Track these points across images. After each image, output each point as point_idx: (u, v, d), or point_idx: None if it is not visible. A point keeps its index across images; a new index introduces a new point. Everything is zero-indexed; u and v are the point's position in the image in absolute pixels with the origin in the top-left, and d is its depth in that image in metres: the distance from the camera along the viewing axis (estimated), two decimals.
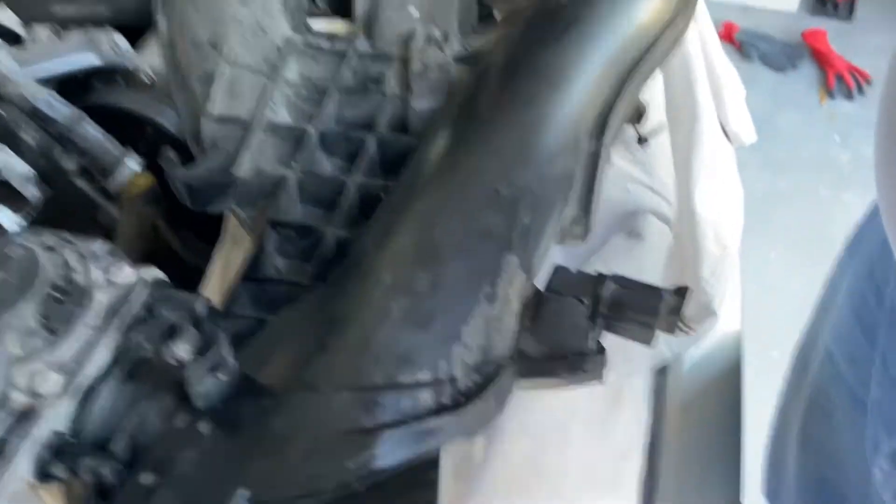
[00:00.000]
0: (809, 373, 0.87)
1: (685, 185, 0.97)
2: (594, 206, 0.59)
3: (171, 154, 0.64)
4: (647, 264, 0.74)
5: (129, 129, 0.72)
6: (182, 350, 0.41)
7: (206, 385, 0.42)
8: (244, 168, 0.61)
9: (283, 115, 0.64)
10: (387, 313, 0.44)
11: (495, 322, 0.47)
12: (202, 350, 0.42)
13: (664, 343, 0.96)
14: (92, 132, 0.70)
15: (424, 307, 0.45)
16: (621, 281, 0.51)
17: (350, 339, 0.44)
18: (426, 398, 0.42)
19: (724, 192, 1.05)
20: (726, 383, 1.15)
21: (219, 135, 0.64)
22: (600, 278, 0.51)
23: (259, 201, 0.60)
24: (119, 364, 0.45)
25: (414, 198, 0.51)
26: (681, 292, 0.51)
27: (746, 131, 1.07)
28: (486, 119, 0.56)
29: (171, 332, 0.42)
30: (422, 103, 0.63)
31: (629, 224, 0.76)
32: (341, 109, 0.64)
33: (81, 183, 0.76)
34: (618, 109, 0.61)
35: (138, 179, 0.70)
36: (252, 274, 0.54)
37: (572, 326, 0.49)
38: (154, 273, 0.51)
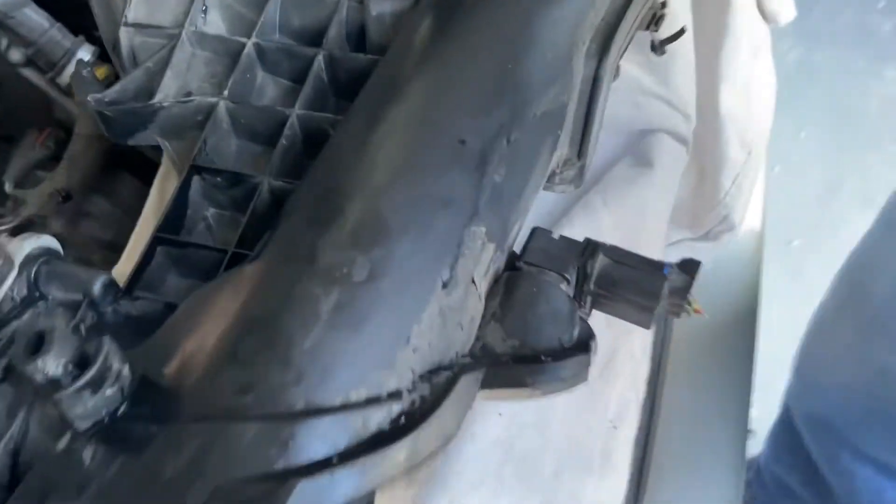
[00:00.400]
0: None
1: (710, 84, 0.85)
2: (591, 144, 0.48)
3: (84, 71, 0.54)
4: (656, 198, 0.63)
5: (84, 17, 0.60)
6: (51, 366, 0.33)
7: (85, 405, 0.34)
8: (167, 91, 0.50)
9: (215, 24, 0.52)
10: (314, 311, 0.35)
11: (454, 313, 0.38)
12: (82, 360, 0.34)
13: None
14: (36, 18, 0.59)
15: (360, 302, 0.36)
16: (615, 254, 0.41)
17: (267, 346, 0.35)
18: (357, 425, 0.34)
19: (754, 84, 0.92)
20: (742, 288, 1.07)
21: (139, 47, 0.53)
22: (590, 248, 0.42)
23: (187, 133, 0.50)
24: None
25: (355, 153, 0.40)
26: (690, 268, 0.41)
27: (785, 7, 0.93)
28: (454, 38, 0.44)
29: (38, 342, 0.34)
30: (382, 6, 0.51)
31: (638, 148, 0.65)
32: (287, 16, 0.52)
33: (31, 74, 0.67)
34: (627, 19, 0.49)
35: (97, 71, 0.58)
36: (170, 230, 0.45)
37: (550, 314, 0.40)
38: (46, 243, 0.42)
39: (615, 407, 0.57)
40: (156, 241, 0.44)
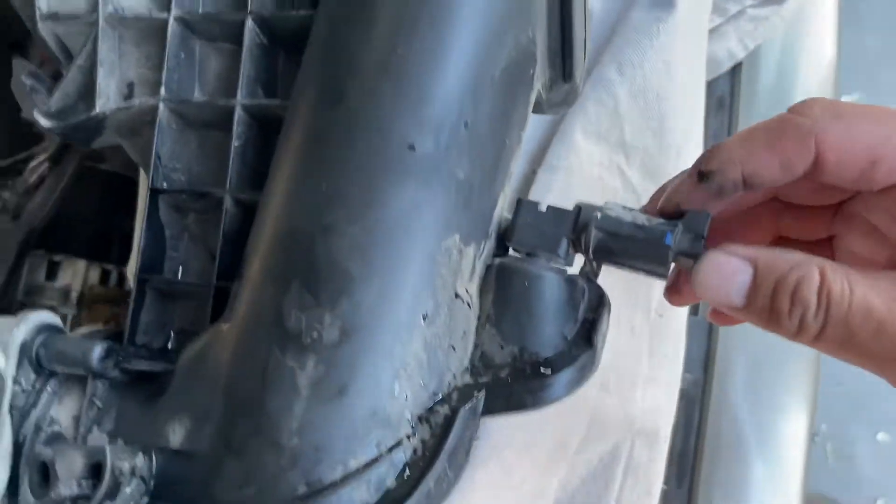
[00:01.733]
0: None
1: None
2: (577, 62, 0.41)
3: (26, 76, 0.49)
4: (683, 46, 0.54)
5: None
6: (66, 490, 0.34)
7: None
8: (107, 92, 0.46)
9: (128, 2, 0.46)
10: (294, 387, 0.34)
11: (442, 340, 0.36)
12: (94, 468, 0.35)
13: (734, 38, 0.77)
14: None
15: (338, 368, 0.34)
16: (608, 224, 0.37)
17: (256, 432, 0.35)
18: (363, 492, 0.34)
19: None
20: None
21: (65, 37, 0.48)
22: (581, 221, 0.37)
23: (142, 130, 0.46)
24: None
25: (299, 183, 0.36)
26: (697, 224, 0.36)
27: None
28: (375, 19, 0.36)
29: (44, 472, 0.35)
30: None
31: None
32: None
33: None
34: None
35: None
36: (151, 269, 0.43)
37: (547, 311, 0.37)
38: (39, 321, 0.42)
39: (658, 295, 0.54)
40: (141, 283, 0.43)
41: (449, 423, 0.35)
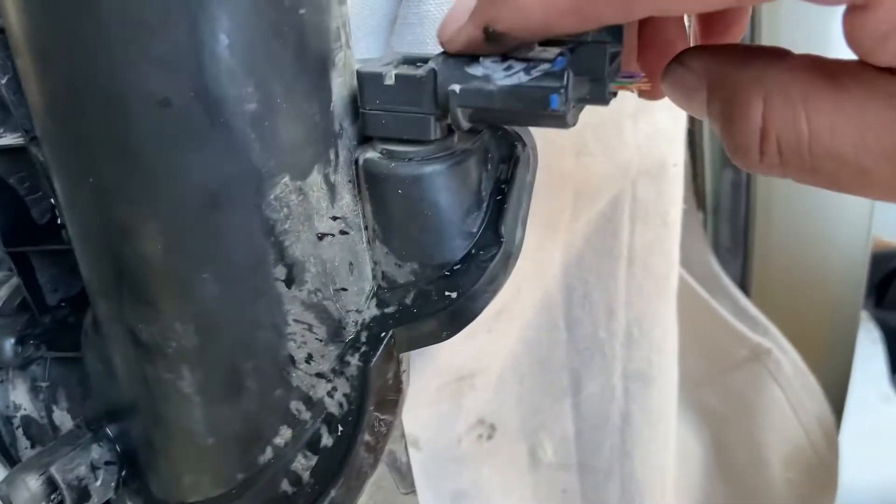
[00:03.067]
0: None
1: None
2: None
3: None
4: None
5: None
6: None
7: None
8: None
9: None
10: (181, 396, 0.30)
11: (322, 291, 0.29)
12: (50, 484, 0.35)
13: None
14: None
15: (213, 370, 0.29)
16: (476, 101, 0.26)
17: (171, 438, 0.31)
18: (302, 462, 0.31)
19: None
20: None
21: None
22: (439, 95, 0.27)
23: None
24: None
25: (61, 176, 0.27)
26: (591, 64, 0.25)
27: None
28: None
29: None
30: None
31: None
32: None
33: None
34: None
35: None
36: (12, 231, 0.37)
37: (434, 218, 0.29)
38: None
39: None
40: (16, 256, 0.38)
41: (364, 374, 0.30)
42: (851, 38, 0.21)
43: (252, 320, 0.29)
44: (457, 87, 0.26)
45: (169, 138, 0.25)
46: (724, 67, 0.24)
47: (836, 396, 0.94)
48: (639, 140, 0.44)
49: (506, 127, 0.31)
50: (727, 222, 0.87)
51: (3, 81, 0.32)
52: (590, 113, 0.34)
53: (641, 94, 0.29)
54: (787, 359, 0.86)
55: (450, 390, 0.50)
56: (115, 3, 0.23)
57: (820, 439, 0.90)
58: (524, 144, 0.30)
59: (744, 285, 0.86)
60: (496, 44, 0.25)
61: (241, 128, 0.25)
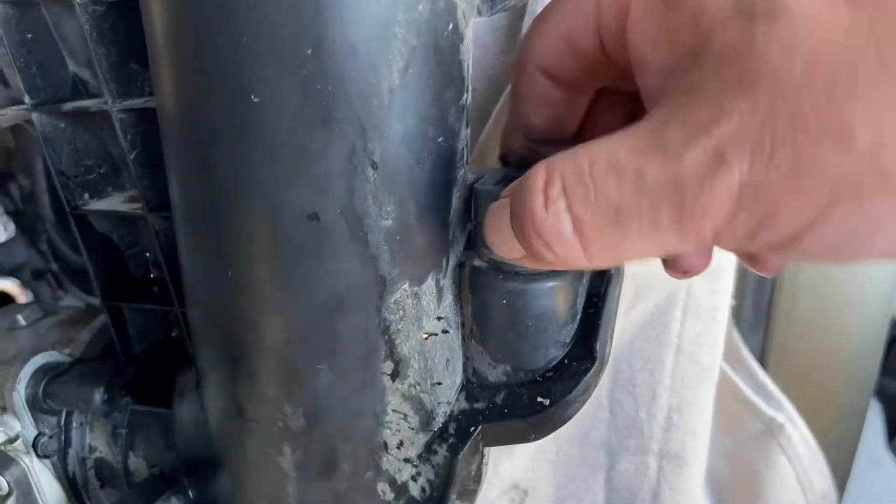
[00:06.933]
0: None
1: None
2: None
3: None
4: None
5: None
6: None
7: None
8: None
9: None
10: (279, 471, 0.32)
11: (421, 385, 0.31)
12: None
13: None
14: None
15: (313, 450, 0.31)
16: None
17: None
18: None
19: None
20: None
21: None
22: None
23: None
24: None
25: (211, 276, 0.29)
26: None
27: None
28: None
29: None
30: None
31: None
32: None
33: None
34: None
35: None
36: (108, 286, 0.39)
37: (532, 327, 0.31)
38: (34, 367, 0.40)
39: None
40: (111, 310, 0.40)
41: (450, 464, 0.32)
42: None
43: (356, 408, 0.31)
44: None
45: (311, 248, 0.27)
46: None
47: (841, 469, 0.96)
48: None
49: None
50: (751, 297, 0.89)
51: (132, 157, 0.34)
52: None
53: None
54: (799, 434, 0.88)
55: (490, 457, 0.52)
56: (281, 135, 0.25)
57: None
58: (613, 271, 0.33)
59: (762, 359, 0.88)
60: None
61: (376, 242, 0.28)
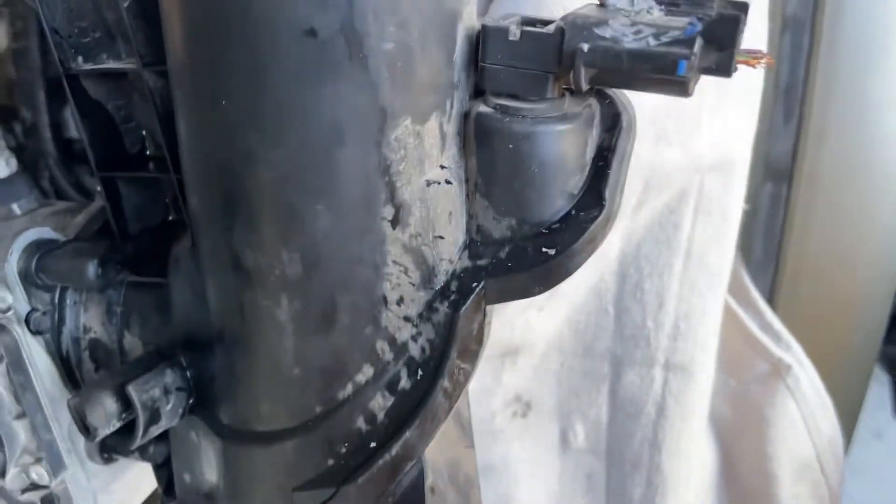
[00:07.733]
0: None
1: None
2: None
3: None
4: None
5: None
6: (104, 430, 0.36)
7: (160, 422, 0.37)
8: None
9: None
10: (275, 324, 0.31)
11: (422, 237, 0.30)
12: (124, 403, 0.36)
13: None
14: None
15: (314, 298, 0.30)
16: (602, 60, 0.27)
17: (255, 367, 0.32)
18: (379, 401, 0.32)
19: None
20: None
21: None
22: (566, 50, 0.28)
23: None
24: None
25: (192, 106, 0.28)
26: (721, 32, 0.26)
27: None
28: None
29: (84, 424, 0.35)
30: None
31: None
32: None
33: None
34: None
35: None
36: (104, 156, 0.38)
37: (539, 175, 0.30)
38: (28, 240, 0.39)
39: None
40: (106, 181, 0.39)
41: (452, 321, 0.31)
42: None
43: (355, 256, 0.30)
44: (585, 46, 0.27)
45: (308, 68, 0.26)
46: None
47: (847, 419, 0.96)
48: (713, 134, 0.44)
49: (612, 96, 0.32)
50: (762, 236, 0.88)
51: (126, 5, 0.33)
52: (672, 101, 0.35)
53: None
54: (807, 376, 0.87)
55: (492, 365, 0.51)
56: None
57: (829, 459, 0.91)
58: (628, 114, 0.31)
59: (771, 299, 0.87)
60: None
61: (376, 66, 0.26)
